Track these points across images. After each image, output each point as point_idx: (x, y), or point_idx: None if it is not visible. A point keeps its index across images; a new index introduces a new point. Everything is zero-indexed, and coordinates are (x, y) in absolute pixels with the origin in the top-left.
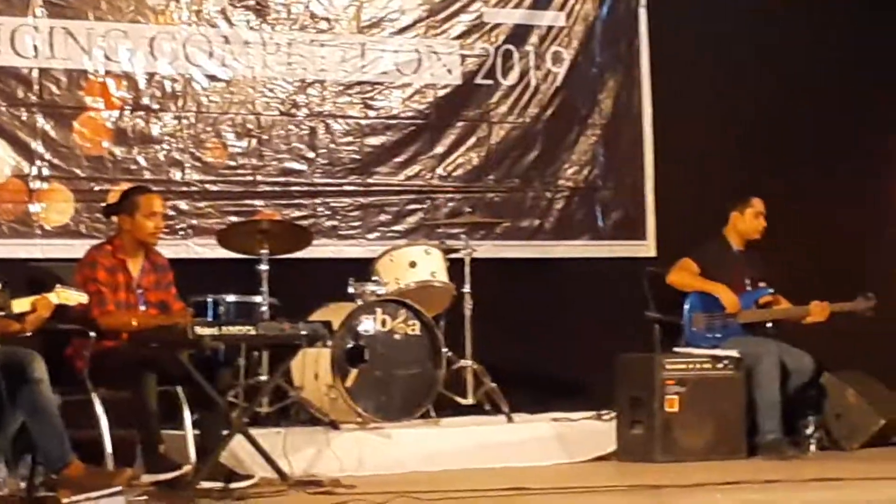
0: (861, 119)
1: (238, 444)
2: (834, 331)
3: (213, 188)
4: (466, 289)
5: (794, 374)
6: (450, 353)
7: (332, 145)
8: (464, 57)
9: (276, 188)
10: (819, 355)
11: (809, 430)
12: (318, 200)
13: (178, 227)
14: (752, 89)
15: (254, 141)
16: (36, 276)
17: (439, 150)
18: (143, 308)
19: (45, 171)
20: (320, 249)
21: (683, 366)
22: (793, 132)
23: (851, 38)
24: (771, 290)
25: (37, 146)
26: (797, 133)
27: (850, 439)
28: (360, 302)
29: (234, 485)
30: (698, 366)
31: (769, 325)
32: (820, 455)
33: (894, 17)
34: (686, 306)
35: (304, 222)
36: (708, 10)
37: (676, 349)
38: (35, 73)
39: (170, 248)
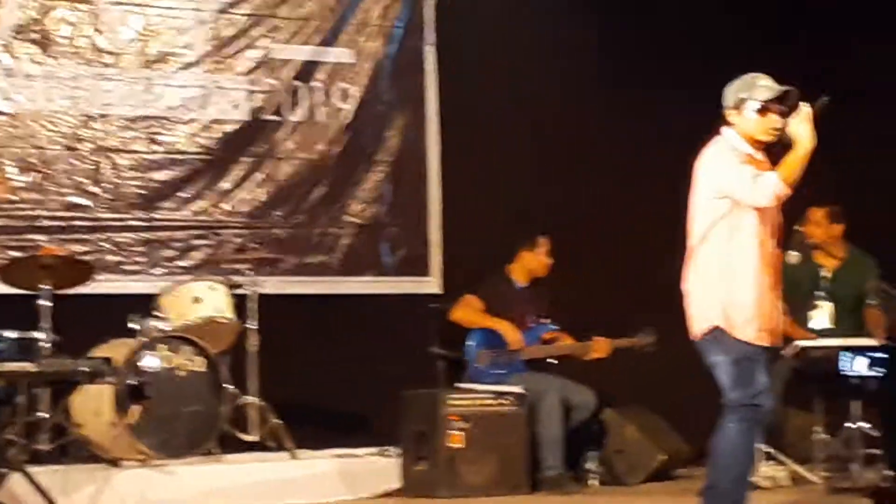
0: (655, 157)
1: (16, 482)
2: (616, 367)
3: None
4: (252, 325)
5: (577, 410)
6: (234, 390)
7: (117, 180)
8: (251, 93)
9: (60, 223)
10: (601, 391)
11: (591, 466)
12: (102, 235)
13: None
14: (537, 128)
15: (37, 175)
16: None
17: (226, 185)
18: None
19: None
20: (104, 285)
21: (467, 402)
22: (583, 170)
23: (640, 75)
24: (554, 327)
25: None
26: (587, 170)
27: (631, 474)
28: (143, 338)
29: None
30: (482, 402)
31: (553, 360)
32: (602, 490)
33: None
34: (470, 342)
35: (88, 257)
36: (496, 47)
37: (460, 385)
38: None
39: None
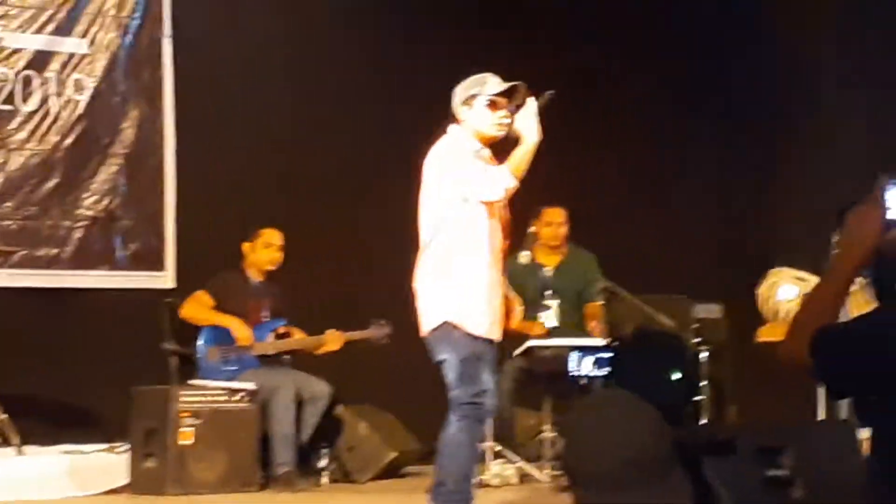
0: (389, 153)
1: None
2: (349, 362)
3: None
4: None
5: (310, 407)
6: None
7: None
8: None
9: None
10: (334, 388)
11: (322, 463)
12: None
13: None
14: (275, 120)
15: None
16: None
17: None
18: None
19: None
20: None
21: (199, 398)
22: (317, 164)
23: (372, 73)
24: (285, 321)
25: None
26: (321, 165)
27: (363, 472)
28: None
29: None
30: (213, 398)
31: (286, 356)
32: (333, 488)
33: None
34: (201, 339)
35: None
36: (235, 40)
37: (192, 382)
38: None
39: None
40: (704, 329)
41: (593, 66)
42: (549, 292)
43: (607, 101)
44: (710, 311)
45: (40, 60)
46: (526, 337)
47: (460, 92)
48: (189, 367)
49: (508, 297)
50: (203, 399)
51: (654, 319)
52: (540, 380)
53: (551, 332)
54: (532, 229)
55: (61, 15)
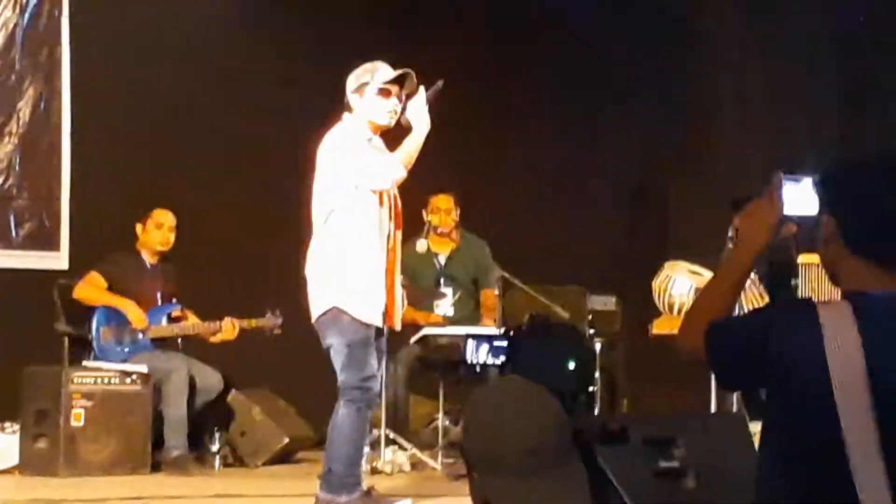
0: (284, 138)
1: None
2: (243, 347)
3: None
4: None
5: (203, 391)
6: None
7: None
8: None
9: None
10: (228, 372)
11: (215, 447)
12: None
13: None
14: (171, 103)
15: None
16: None
17: None
18: None
19: None
20: None
21: (91, 380)
22: (214, 144)
23: (272, 52)
24: (179, 306)
25: None
26: (216, 149)
27: (255, 456)
28: None
29: None
30: (106, 380)
31: (179, 340)
32: (225, 472)
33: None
34: (94, 321)
35: None
36: (133, 20)
37: (86, 363)
38: None
39: None
40: (599, 320)
41: (489, 55)
42: (443, 280)
43: (507, 89)
44: (604, 302)
45: None
46: (421, 326)
47: (352, 80)
48: (82, 349)
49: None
50: (95, 381)
51: (549, 309)
52: (435, 367)
53: (447, 320)
54: (428, 218)
55: None
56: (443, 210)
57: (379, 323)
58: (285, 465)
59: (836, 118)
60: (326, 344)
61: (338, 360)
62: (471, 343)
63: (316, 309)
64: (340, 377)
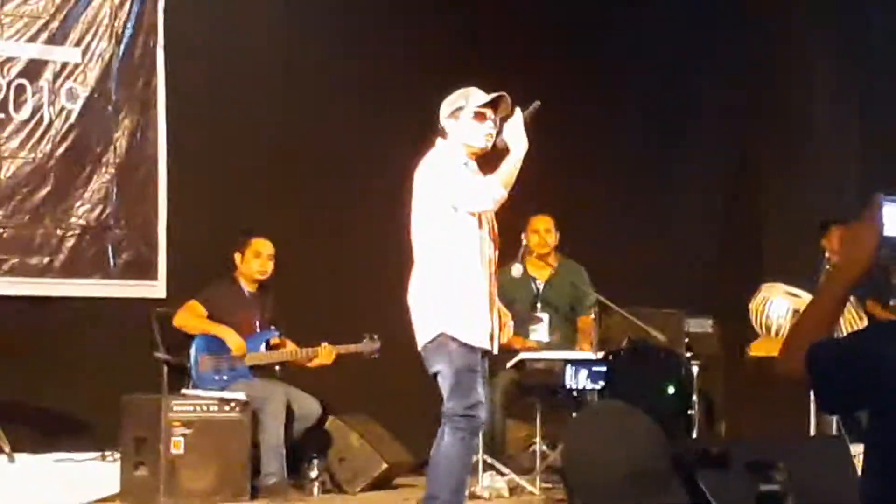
0: (382, 165)
1: None
2: (341, 373)
3: None
4: None
5: (301, 418)
6: None
7: None
8: None
9: None
10: (326, 399)
11: (314, 474)
12: None
13: None
14: (266, 130)
15: None
16: None
17: None
18: None
19: None
20: None
21: (190, 408)
22: (310, 176)
23: (366, 84)
24: (278, 332)
25: None
26: (314, 177)
27: (354, 482)
28: None
29: None
30: (205, 408)
31: (277, 367)
32: (324, 498)
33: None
34: (193, 348)
35: None
36: (228, 50)
37: (184, 391)
38: None
39: None
40: (696, 343)
41: (579, 78)
42: (540, 305)
43: (598, 113)
44: (701, 325)
45: (34, 69)
46: (517, 350)
47: (446, 105)
48: (180, 377)
49: (500, 311)
50: (194, 408)
51: (646, 333)
52: (531, 392)
53: (543, 346)
54: (524, 241)
55: (55, 24)
56: (542, 230)
57: (487, 346)
58: (384, 490)
59: None
60: (433, 371)
61: (445, 386)
62: (569, 368)
63: (422, 336)
64: (447, 404)
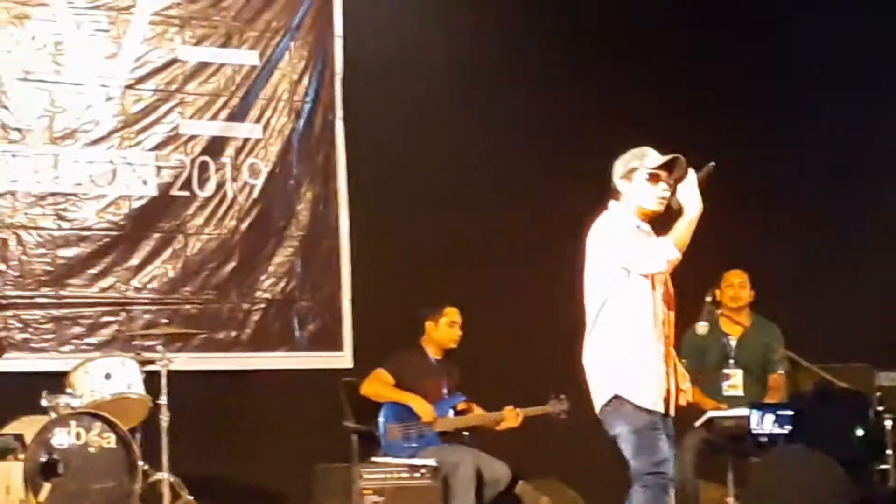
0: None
1: None
2: (529, 437)
3: None
4: (163, 400)
5: (490, 483)
6: (146, 466)
7: (24, 257)
8: (159, 168)
9: None
10: (515, 463)
11: None
12: (9, 313)
13: None
14: (446, 199)
15: None
16: None
17: (134, 261)
18: None
19: None
20: (12, 362)
21: (381, 475)
22: (491, 241)
23: (545, 156)
24: (464, 398)
25: None
26: (495, 242)
27: None
28: (53, 415)
29: None
30: (396, 475)
31: (465, 432)
32: None
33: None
34: (381, 416)
35: None
36: (405, 119)
37: (374, 459)
38: None
39: None
40: (888, 396)
41: (751, 130)
42: (731, 362)
43: (772, 166)
44: (893, 378)
45: (216, 146)
46: (705, 410)
47: (620, 166)
48: (369, 445)
49: (679, 373)
50: (385, 476)
51: (836, 385)
52: (722, 450)
53: (733, 403)
54: (708, 298)
55: (235, 101)
56: (737, 284)
57: (661, 409)
58: None
59: None
60: (613, 433)
61: (627, 447)
62: (755, 413)
63: (598, 399)
64: (633, 464)
